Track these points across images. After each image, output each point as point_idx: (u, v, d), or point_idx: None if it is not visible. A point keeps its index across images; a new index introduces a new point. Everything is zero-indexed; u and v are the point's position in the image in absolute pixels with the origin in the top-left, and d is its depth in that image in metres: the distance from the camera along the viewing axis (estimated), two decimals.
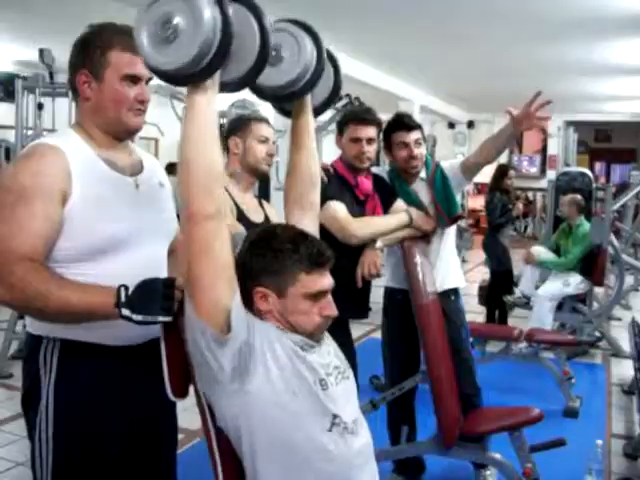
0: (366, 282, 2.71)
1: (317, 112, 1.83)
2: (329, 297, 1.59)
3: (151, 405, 1.73)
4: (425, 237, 2.88)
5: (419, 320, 2.67)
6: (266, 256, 1.55)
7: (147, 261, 1.68)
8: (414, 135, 2.90)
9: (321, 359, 1.57)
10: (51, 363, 1.65)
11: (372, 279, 2.72)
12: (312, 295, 1.55)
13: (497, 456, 2.80)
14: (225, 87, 1.47)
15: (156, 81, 1.58)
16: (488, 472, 3.16)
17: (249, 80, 1.49)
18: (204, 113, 1.41)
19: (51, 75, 6.29)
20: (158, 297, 1.48)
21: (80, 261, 1.60)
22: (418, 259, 2.64)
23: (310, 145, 1.79)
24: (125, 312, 1.47)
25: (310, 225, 1.75)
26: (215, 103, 1.43)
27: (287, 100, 1.75)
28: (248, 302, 1.55)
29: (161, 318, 1.49)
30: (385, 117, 3.05)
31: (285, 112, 1.83)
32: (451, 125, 15.62)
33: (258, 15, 1.46)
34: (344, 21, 6.74)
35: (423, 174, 3.04)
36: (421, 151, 2.92)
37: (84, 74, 1.65)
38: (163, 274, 1.69)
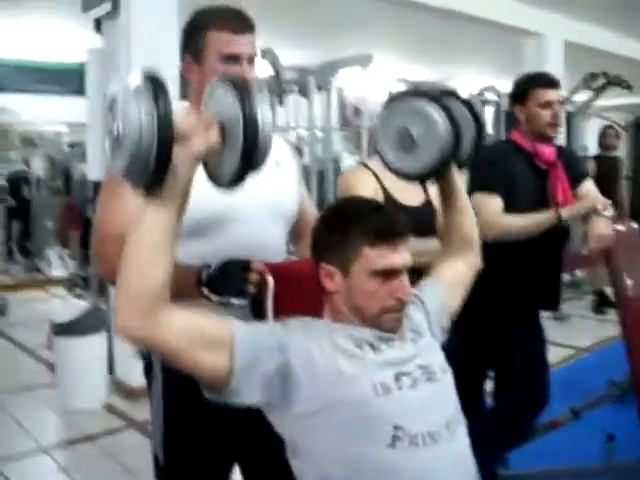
0: (557, 269, 2.56)
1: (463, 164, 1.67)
2: (403, 278, 1.38)
3: None
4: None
5: None
6: (331, 229, 1.41)
7: (243, 240, 1.61)
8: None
9: (399, 353, 1.38)
10: None
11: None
12: (379, 273, 1.35)
13: None
14: (226, 185, 1.27)
15: None
16: None
17: (244, 175, 1.23)
18: (149, 225, 1.18)
19: None
20: (236, 279, 1.47)
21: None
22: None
23: (461, 205, 1.66)
24: (204, 291, 1.47)
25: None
26: (166, 213, 1.19)
27: (435, 177, 1.63)
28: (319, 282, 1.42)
29: (234, 300, 1.47)
30: None
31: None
32: None
33: (241, 92, 1.19)
34: None
35: None
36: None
37: (188, 61, 1.66)
38: (262, 255, 1.58)
